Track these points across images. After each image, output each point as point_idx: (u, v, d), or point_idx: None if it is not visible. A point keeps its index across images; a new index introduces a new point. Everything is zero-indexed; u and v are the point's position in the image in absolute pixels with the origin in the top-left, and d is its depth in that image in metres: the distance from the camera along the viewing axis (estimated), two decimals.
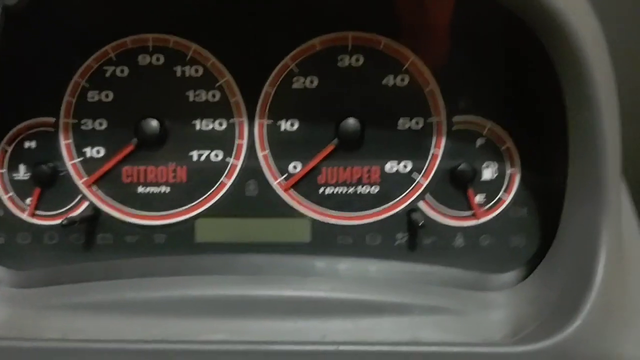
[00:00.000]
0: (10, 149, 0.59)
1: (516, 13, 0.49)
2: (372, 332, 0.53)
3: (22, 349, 0.50)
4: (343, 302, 0.55)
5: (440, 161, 0.58)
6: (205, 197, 0.59)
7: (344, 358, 0.48)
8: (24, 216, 0.60)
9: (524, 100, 0.57)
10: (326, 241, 0.59)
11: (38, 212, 0.60)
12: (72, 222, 0.56)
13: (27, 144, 0.59)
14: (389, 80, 0.57)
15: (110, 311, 0.55)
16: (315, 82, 0.58)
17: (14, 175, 0.59)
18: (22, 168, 0.59)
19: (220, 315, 0.55)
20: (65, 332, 0.53)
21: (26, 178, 0.59)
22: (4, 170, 0.59)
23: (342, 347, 0.48)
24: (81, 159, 0.59)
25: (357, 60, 0.57)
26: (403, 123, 0.58)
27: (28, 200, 0.59)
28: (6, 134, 0.59)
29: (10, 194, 0.59)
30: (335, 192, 0.59)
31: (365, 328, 0.54)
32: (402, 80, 0.57)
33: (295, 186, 0.59)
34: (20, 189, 0.59)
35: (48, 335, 0.53)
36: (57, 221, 0.59)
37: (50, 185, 0.59)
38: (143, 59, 0.58)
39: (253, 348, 0.49)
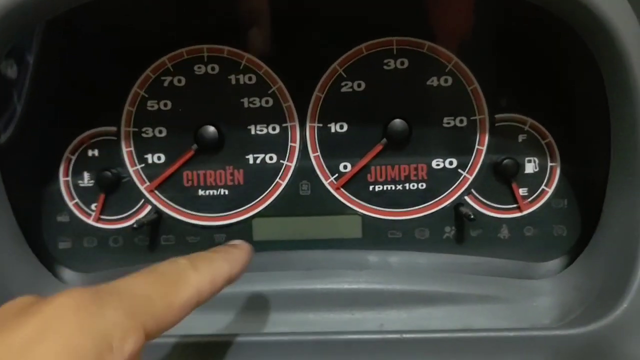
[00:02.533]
0: (74, 158, 0.62)
1: (558, 15, 0.51)
2: (426, 321, 0.57)
3: None
4: (397, 293, 0.58)
5: (485, 157, 0.61)
6: (261, 198, 0.62)
7: (404, 346, 0.51)
8: (90, 221, 0.63)
9: (564, 95, 0.59)
10: (377, 236, 0.62)
11: (103, 217, 0.63)
12: (142, 224, 0.59)
13: (90, 153, 0.62)
14: (434, 81, 0.60)
15: None
16: (363, 86, 0.60)
17: (79, 182, 0.63)
18: (86, 175, 0.62)
19: (281, 309, 0.58)
20: None
21: (90, 185, 0.62)
22: (68, 178, 0.62)
23: (405, 335, 0.50)
24: (143, 165, 0.62)
25: (402, 63, 0.60)
26: (448, 121, 0.60)
27: (93, 206, 0.63)
28: (70, 143, 0.62)
29: (76, 200, 0.63)
30: (384, 189, 0.62)
31: (419, 317, 0.57)
32: (446, 81, 0.60)
33: (345, 185, 0.61)
34: (85, 196, 0.63)
35: None
36: (122, 225, 0.63)
37: (113, 191, 0.62)
38: (199, 69, 0.61)
39: (320, 338, 0.52)
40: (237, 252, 0.43)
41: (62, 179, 0.62)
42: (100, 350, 0.28)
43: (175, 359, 0.51)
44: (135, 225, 0.59)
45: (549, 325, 0.55)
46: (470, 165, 0.61)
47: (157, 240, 0.63)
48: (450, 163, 0.61)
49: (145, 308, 0.32)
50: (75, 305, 0.29)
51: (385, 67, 0.60)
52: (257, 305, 0.58)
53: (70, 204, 0.63)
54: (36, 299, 0.31)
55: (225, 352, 0.52)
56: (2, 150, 0.57)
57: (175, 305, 0.34)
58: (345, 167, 0.61)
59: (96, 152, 0.62)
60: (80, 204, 0.63)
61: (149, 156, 0.62)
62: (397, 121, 0.59)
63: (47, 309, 0.29)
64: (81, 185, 0.62)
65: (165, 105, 0.61)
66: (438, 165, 0.61)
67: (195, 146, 0.60)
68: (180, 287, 0.35)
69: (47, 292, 0.59)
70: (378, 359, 0.51)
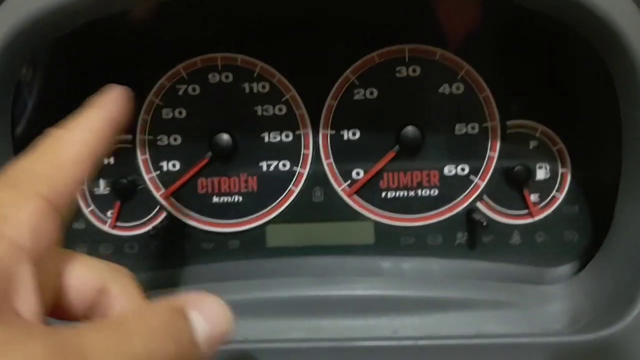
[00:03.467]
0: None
1: (569, 23, 0.52)
2: (439, 327, 0.57)
3: None
4: (410, 299, 0.59)
5: (496, 163, 0.61)
6: (275, 205, 0.63)
7: (418, 352, 0.52)
8: (106, 228, 0.64)
9: (575, 102, 0.60)
10: (389, 242, 0.63)
11: (119, 224, 0.64)
12: (158, 231, 0.60)
13: (106, 161, 0.63)
14: (445, 88, 0.61)
15: None
16: (375, 93, 0.61)
17: (95, 190, 0.63)
18: (102, 183, 0.63)
19: (295, 315, 0.58)
20: None
21: (106, 192, 0.63)
22: (84, 186, 0.63)
23: (419, 342, 0.51)
24: (158, 172, 0.63)
25: (414, 70, 0.61)
26: (460, 128, 0.61)
27: (109, 213, 0.64)
28: None
29: (92, 207, 0.64)
30: (396, 196, 0.62)
31: (432, 323, 0.57)
32: (458, 88, 0.61)
33: (358, 191, 0.62)
34: (101, 203, 0.64)
35: None
36: (137, 232, 0.64)
37: (129, 198, 0.63)
38: (213, 77, 0.61)
39: (334, 345, 0.52)
40: (105, 96, 0.38)
41: None
42: None
43: None
44: (152, 232, 0.60)
45: (560, 330, 0.55)
46: (482, 172, 0.61)
47: (172, 247, 0.64)
48: (462, 170, 0.61)
49: (30, 177, 0.31)
50: None
51: (397, 74, 0.61)
52: (271, 311, 0.59)
53: (87, 211, 0.64)
54: None
55: (238, 359, 0.53)
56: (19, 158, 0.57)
57: (61, 164, 0.32)
58: (357, 173, 0.62)
59: (112, 160, 0.63)
60: (96, 211, 0.64)
61: (164, 163, 0.63)
62: (410, 128, 0.60)
63: None
64: (97, 192, 0.63)
65: (180, 113, 0.62)
66: (450, 171, 0.62)
67: (209, 154, 0.61)
68: (60, 148, 0.33)
69: None
70: None
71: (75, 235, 0.64)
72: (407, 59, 0.60)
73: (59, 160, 0.32)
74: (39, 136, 0.34)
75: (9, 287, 0.27)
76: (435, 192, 0.62)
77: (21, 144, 0.57)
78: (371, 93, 0.61)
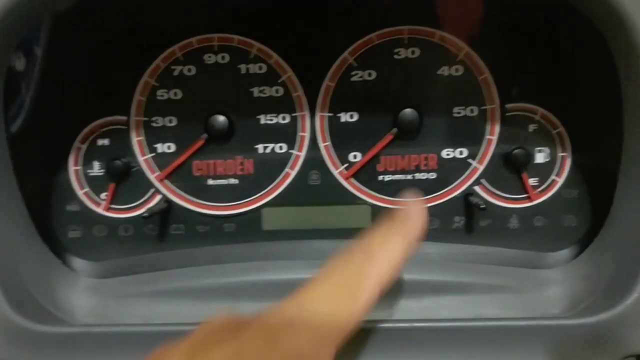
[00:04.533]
0: (84, 147, 0.62)
1: (571, 3, 0.51)
2: (436, 311, 0.57)
3: (111, 334, 0.53)
4: (406, 282, 0.58)
5: (495, 146, 0.60)
6: (271, 187, 0.62)
7: (414, 335, 0.51)
8: (100, 210, 0.63)
9: (575, 85, 0.59)
10: None
11: (113, 206, 0.63)
12: (152, 213, 0.59)
13: (100, 142, 0.62)
14: (444, 70, 0.60)
15: (187, 297, 0.59)
16: (374, 75, 0.60)
17: (89, 171, 0.63)
18: (96, 164, 0.63)
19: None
20: (147, 318, 0.57)
21: (101, 174, 0.62)
22: (79, 167, 0.63)
23: (415, 324, 0.51)
24: (153, 154, 0.62)
25: (413, 52, 0.60)
26: (458, 111, 0.60)
27: (103, 195, 0.63)
28: (80, 132, 0.62)
29: (86, 189, 0.63)
30: (394, 179, 0.62)
31: (428, 307, 0.57)
32: (457, 70, 0.60)
33: (355, 175, 0.61)
34: (95, 185, 0.63)
35: (131, 321, 0.57)
36: (132, 214, 0.63)
37: (123, 180, 0.62)
38: (209, 58, 0.60)
39: None
40: (411, 223, 0.40)
41: (72, 168, 0.62)
42: None
43: None
44: (145, 214, 0.59)
45: (559, 314, 0.55)
46: (481, 155, 0.61)
47: (167, 230, 0.63)
48: (461, 153, 0.61)
49: (331, 326, 0.33)
50: (266, 333, 0.31)
51: (396, 56, 0.60)
52: (267, 294, 0.58)
53: (81, 193, 0.63)
54: (234, 320, 0.33)
55: None
56: (13, 140, 0.57)
57: (359, 309, 0.35)
58: (355, 156, 0.61)
59: (106, 142, 0.62)
60: (91, 193, 0.63)
61: (159, 145, 0.62)
62: (408, 111, 0.59)
63: (242, 334, 0.30)
64: (91, 174, 0.63)
65: (176, 94, 0.61)
66: (448, 155, 0.61)
67: (205, 135, 0.60)
68: (362, 289, 0.35)
69: (58, 281, 0.60)
70: (388, 348, 0.51)
71: (69, 217, 0.63)
72: (406, 41, 0.60)
73: (358, 305, 0.35)
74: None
75: None
76: (433, 175, 0.61)
77: (19, 139, 0.57)
78: (369, 75, 0.60)
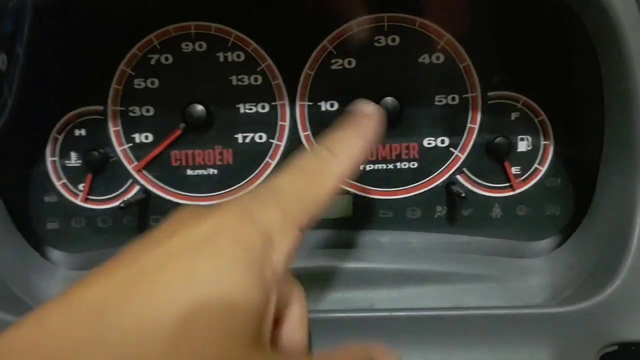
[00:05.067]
0: (61, 137, 0.61)
1: None
2: (417, 300, 0.56)
3: None
4: (388, 272, 0.58)
5: (477, 135, 0.60)
6: (251, 178, 0.61)
7: (395, 324, 0.51)
8: (77, 201, 0.62)
9: (558, 73, 0.58)
10: (368, 215, 0.61)
11: (90, 197, 0.62)
12: (129, 204, 0.58)
13: (77, 132, 0.61)
14: (425, 58, 0.59)
15: None
16: (354, 63, 0.59)
17: (66, 162, 0.62)
18: (73, 155, 0.62)
19: None
20: None
21: (78, 165, 0.62)
22: (55, 158, 0.62)
23: (395, 313, 0.50)
24: (130, 144, 0.61)
25: (394, 40, 0.59)
26: (439, 99, 0.60)
27: (81, 186, 0.62)
28: (56, 123, 0.61)
29: (63, 180, 0.62)
30: (375, 169, 0.61)
31: (410, 296, 0.57)
32: (438, 58, 0.59)
33: None
34: (73, 176, 0.62)
35: None
36: (110, 205, 0.62)
37: (101, 171, 0.61)
38: (186, 46, 0.60)
39: (311, 317, 0.51)
40: (368, 123, 0.43)
41: (49, 159, 0.61)
42: (265, 244, 0.32)
43: None
44: (122, 205, 0.58)
45: (542, 303, 0.54)
46: (462, 144, 0.60)
47: (145, 221, 0.62)
48: (442, 142, 0.60)
49: (297, 205, 0.35)
50: (240, 208, 0.33)
51: (376, 44, 0.59)
52: None
53: (58, 184, 0.62)
54: (202, 208, 0.34)
55: None
56: None
57: (322, 196, 0.37)
58: None
59: (83, 132, 0.61)
60: (68, 184, 0.62)
61: (136, 135, 0.61)
62: (388, 99, 0.58)
63: (218, 212, 0.32)
64: (68, 165, 0.62)
65: (153, 83, 0.60)
66: (430, 144, 0.60)
67: (183, 125, 0.60)
68: (325, 178, 0.37)
69: (35, 273, 0.59)
70: (369, 337, 0.50)
71: (46, 208, 0.62)
72: (386, 28, 0.59)
73: (321, 192, 0.37)
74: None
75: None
76: (414, 164, 0.61)
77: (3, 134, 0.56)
78: (349, 63, 0.59)
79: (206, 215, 0.32)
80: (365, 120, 0.43)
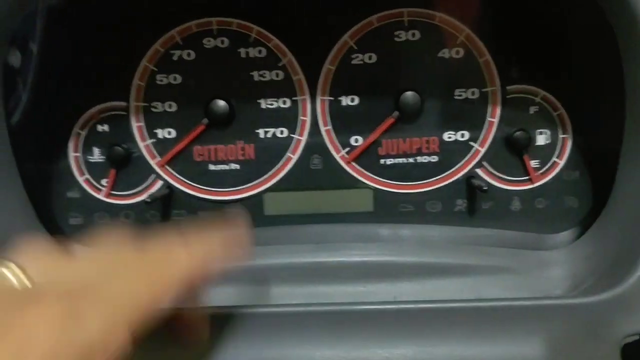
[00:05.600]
0: (84, 133, 0.62)
1: None
2: (439, 293, 0.57)
3: None
4: (409, 265, 0.58)
5: (496, 129, 0.60)
6: (272, 172, 0.62)
7: (418, 316, 0.51)
8: (100, 197, 0.63)
9: (576, 66, 0.59)
10: (388, 209, 0.62)
11: (114, 193, 0.63)
12: (154, 199, 0.59)
13: (100, 128, 0.62)
14: (445, 53, 0.60)
15: None
16: (374, 58, 0.60)
17: (89, 158, 0.62)
18: (96, 151, 0.62)
19: (293, 282, 0.58)
20: None
21: (101, 160, 0.62)
22: (79, 154, 0.62)
23: (420, 306, 0.51)
24: (153, 140, 0.62)
25: (414, 35, 0.60)
26: (459, 94, 0.60)
27: (104, 182, 0.63)
28: (79, 118, 0.62)
29: (86, 176, 0.63)
30: (395, 163, 0.61)
31: (431, 289, 0.57)
32: (457, 52, 0.60)
33: (357, 159, 0.61)
34: (95, 171, 0.63)
35: None
36: (133, 200, 0.63)
37: (124, 166, 0.62)
38: (208, 42, 0.60)
39: (334, 309, 0.52)
40: (236, 230, 0.42)
41: (72, 154, 0.62)
42: (85, 358, 0.28)
43: None
44: (148, 200, 0.59)
45: (561, 295, 0.55)
46: (482, 138, 0.61)
47: (168, 215, 0.63)
48: (462, 136, 0.61)
49: (128, 305, 0.32)
50: (52, 319, 0.28)
51: (396, 39, 0.59)
52: (269, 278, 0.58)
53: (81, 180, 0.63)
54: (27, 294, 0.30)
55: (236, 324, 0.52)
56: (13, 127, 0.56)
57: (161, 294, 0.34)
58: (356, 140, 0.61)
59: (106, 128, 0.62)
60: (91, 180, 0.63)
61: (159, 131, 0.61)
62: (409, 94, 0.59)
63: (26, 322, 0.28)
64: (91, 160, 0.62)
65: (175, 79, 0.61)
66: (450, 138, 0.61)
67: (205, 120, 0.60)
68: (169, 274, 0.35)
69: None
70: (393, 330, 0.51)
71: (70, 204, 0.63)
72: (406, 23, 0.59)
73: (162, 289, 0.34)
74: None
75: None
76: (434, 158, 0.61)
77: (19, 126, 0.57)
78: (370, 58, 0.60)
79: (13, 327, 0.27)
80: (235, 227, 0.41)
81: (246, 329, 0.51)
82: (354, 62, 0.60)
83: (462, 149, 0.61)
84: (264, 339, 0.49)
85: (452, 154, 0.61)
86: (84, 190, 0.63)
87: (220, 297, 0.55)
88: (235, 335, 0.50)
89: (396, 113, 0.59)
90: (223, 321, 0.52)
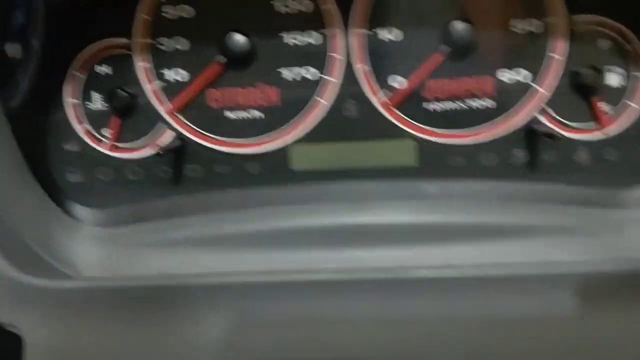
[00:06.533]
0: (82, 77, 0.54)
1: None
2: (498, 257, 0.49)
3: (124, 289, 0.46)
4: (461, 226, 0.51)
5: (560, 67, 0.52)
6: (299, 120, 0.54)
7: (479, 284, 0.44)
8: (103, 150, 0.55)
9: None
10: (435, 163, 0.54)
11: (118, 145, 0.55)
12: (167, 151, 0.51)
13: (100, 69, 0.54)
14: None
15: (207, 246, 0.52)
16: None
17: (88, 105, 0.54)
18: (96, 96, 0.54)
19: (327, 246, 0.50)
20: (162, 271, 0.50)
21: (103, 108, 0.54)
22: (77, 100, 0.54)
23: (489, 271, 0.43)
24: (161, 83, 0.53)
25: None
26: (516, 25, 0.51)
27: (105, 132, 0.55)
28: (74, 58, 0.53)
29: (86, 125, 0.55)
30: (443, 108, 0.53)
31: (488, 253, 0.49)
32: None
33: (398, 103, 0.53)
34: (97, 120, 0.55)
35: (145, 273, 0.50)
36: (139, 154, 0.55)
37: (129, 114, 0.54)
38: None
39: (379, 276, 0.44)
40: None
41: (69, 100, 0.54)
42: None
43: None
44: (160, 152, 0.51)
45: None
46: (544, 78, 0.52)
47: (181, 171, 0.55)
48: (520, 75, 0.52)
49: None
50: None
51: None
52: (299, 242, 0.51)
53: (80, 130, 0.55)
54: None
55: (268, 292, 0.45)
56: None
57: None
58: (397, 82, 0.52)
59: (107, 69, 0.54)
60: (92, 130, 0.55)
61: (167, 72, 0.53)
62: (459, 24, 0.50)
63: None
64: (92, 108, 0.54)
65: (186, 11, 0.52)
66: (505, 77, 0.52)
67: (221, 58, 0.52)
68: None
69: (58, 230, 0.53)
70: (452, 301, 0.43)
71: (68, 158, 0.55)
72: None
73: None
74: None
75: None
76: (488, 102, 0.53)
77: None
78: None
79: None
80: None
81: (279, 298, 0.44)
82: None
83: (521, 90, 0.52)
84: (300, 309, 0.42)
85: (509, 96, 0.53)
86: (83, 142, 0.55)
87: (235, 264, 0.48)
88: (265, 304, 0.43)
89: (444, 47, 0.51)
90: (248, 289, 0.45)
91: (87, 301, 0.45)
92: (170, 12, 0.52)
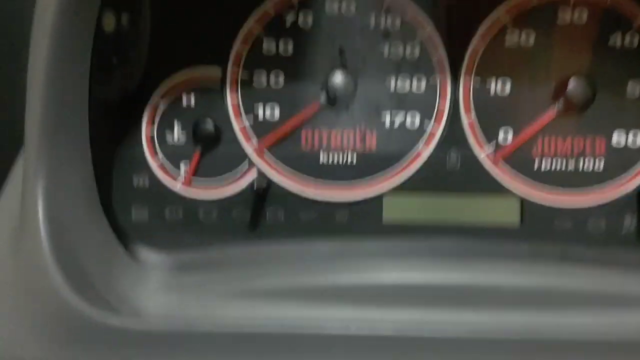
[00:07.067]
0: (163, 105, 0.50)
1: None
2: (618, 328, 0.44)
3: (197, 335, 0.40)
4: (574, 293, 0.46)
5: None
6: (397, 169, 0.50)
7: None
8: (178, 187, 0.50)
9: None
10: (539, 225, 0.50)
11: (195, 182, 0.50)
12: (248, 195, 0.48)
13: (185, 100, 0.50)
14: (617, 40, 0.49)
15: (288, 300, 0.46)
16: (532, 40, 0.49)
17: (167, 137, 0.50)
18: (177, 129, 0.50)
19: (421, 307, 0.45)
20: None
21: (182, 141, 0.50)
22: (153, 130, 0.50)
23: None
24: (251, 119, 0.50)
25: (580, 16, 0.49)
26: (633, 88, 0.49)
27: (182, 169, 0.50)
28: (158, 85, 0.50)
29: (160, 159, 0.50)
30: (552, 167, 0.50)
31: (607, 324, 0.44)
32: (632, 40, 0.49)
33: (506, 158, 0.50)
34: (174, 155, 0.50)
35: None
36: (216, 194, 0.50)
37: (210, 149, 0.50)
38: (330, 6, 0.49)
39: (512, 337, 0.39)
40: None
41: (145, 129, 0.49)
42: None
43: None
44: (255, 188, 0.46)
45: None
46: None
47: (262, 216, 0.50)
48: (635, 138, 0.50)
49: None
50: None
51: (559, 20, 0.49)
52: (386, 300, 0.46)
53: (153, 164, 0.50)
54: None
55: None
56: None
57: None
58: (506, 135, 0.49)
59: (192, 100, 0.50)
60: (166, 165, 0.50)
61: (259, 108, 0.49)
62: (576, 82, 0.48)
63: None
64: (169, 142, 0.50)
65: (286, 46, 0.49)
66: (620, 140, 0.50)
67: (322, 98, 0.48)
68: None
69: (119, 272, 0.46)
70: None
71: (135, 194, 0.49)
72: (572, 2, 0.49)
73: None
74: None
75: None
76: (600, 164, 0.50)
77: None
78: (527, 39, 0.49)
79: None
80: None
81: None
82: (507, 42, 0.50)
83: (635, 154, 0.50)
84: None
85: (622, 159, 0.50)
86: (154, 178, 0.50)
87: (319, 319, 0.43)
88: None
89: (559, 105, 0.48)
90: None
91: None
92: (271, 47, 0.49)
